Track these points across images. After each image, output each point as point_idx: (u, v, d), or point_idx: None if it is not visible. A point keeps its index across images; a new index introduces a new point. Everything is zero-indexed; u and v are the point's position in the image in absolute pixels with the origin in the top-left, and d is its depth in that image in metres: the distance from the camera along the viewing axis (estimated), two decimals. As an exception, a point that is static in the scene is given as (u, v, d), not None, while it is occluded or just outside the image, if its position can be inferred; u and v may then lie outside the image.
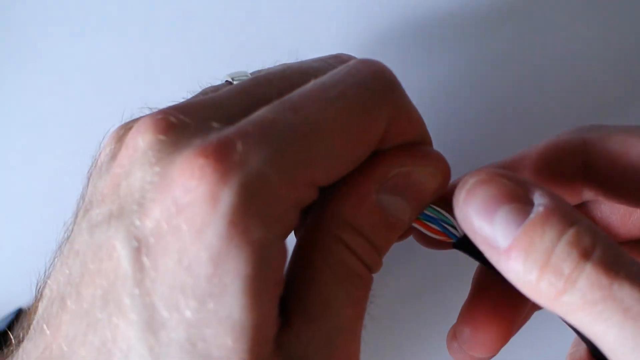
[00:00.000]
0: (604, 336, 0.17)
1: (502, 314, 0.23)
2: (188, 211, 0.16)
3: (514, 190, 0.19)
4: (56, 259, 0.21)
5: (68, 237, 0.21)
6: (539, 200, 0.19)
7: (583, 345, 0.23)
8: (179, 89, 0.23)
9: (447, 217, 0.22)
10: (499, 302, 0.23)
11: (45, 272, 0.21)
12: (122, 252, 0.17)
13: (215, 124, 0.18)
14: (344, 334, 0.19)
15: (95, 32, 0.31)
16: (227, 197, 0.16)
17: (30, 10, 0.31)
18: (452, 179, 0.22)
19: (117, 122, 0.22)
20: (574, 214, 0.19)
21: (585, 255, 0.17)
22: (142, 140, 0.18)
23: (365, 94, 0.19)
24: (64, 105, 0.33)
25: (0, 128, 0.33)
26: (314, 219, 0.20)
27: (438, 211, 0.22)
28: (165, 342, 0.17)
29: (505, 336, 0.23)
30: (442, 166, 0.21)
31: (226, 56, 0.31)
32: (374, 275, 0.20)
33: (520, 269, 0.18)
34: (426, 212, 0.22)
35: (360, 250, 0.20)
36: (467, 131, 0.31)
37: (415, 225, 0.22)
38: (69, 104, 0.33)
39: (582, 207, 0.25)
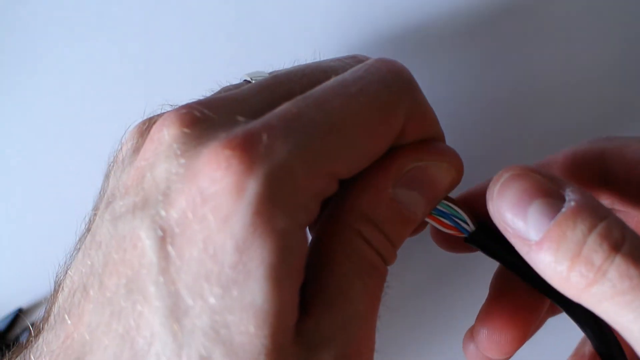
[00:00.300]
0: (630, 326, 0.18)
1: (520, 316, 0.24)
2: (214, 201, 0.17)
3: (547, 185, 0.20)
4: (76, 251, 0.21)
5: (89, 230, 0.21)
6: (570, 195, 0.19)
7: (588, 344, 0.24)
8: (192, 90, 0.24)
9: (458, 212, 0.22)
10: (517, 305, 0.23)
11: (64, 264, 0.22)
12: (147, 242, 0.18)
13: (240, 118, 0.19)
14: (361, 322, 0.19)
15: (104, 33, 0.31)
16: (252, 187, 0.17)
17: (44, 11, 0.31)
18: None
19: (117, 123, 0.22)
20: (604, 209, 0.19)
21: (616, 247, 0.18)
22: (167, 134, 0.19)
23: (385, 91, 0.20)
24: (65, 106, 0.33)
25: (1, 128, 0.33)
26: (332, 212, 0.21)
27: (450, 206, 0.22)
28: (189, 329, 0.17)
29: (522, 338, 0.23)
30: (456, 162, 0.22)
31: (241, 57, 0.31)
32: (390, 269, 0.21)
33: (551, 260, 0.19)
34: (438, 207, 0.22)
35: (377, 242, 0.20)
36: (472, 133, 0.32)
37: (428, 220, 0.22)
38: (71, 105, 0.33)
39: None
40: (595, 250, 0.18)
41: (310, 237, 0.21)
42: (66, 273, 0.21)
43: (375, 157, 0.20)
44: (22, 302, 0.34)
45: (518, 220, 0.20)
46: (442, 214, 0.22)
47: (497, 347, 0.23)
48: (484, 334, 0.23)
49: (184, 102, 0.20)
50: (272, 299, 0.17)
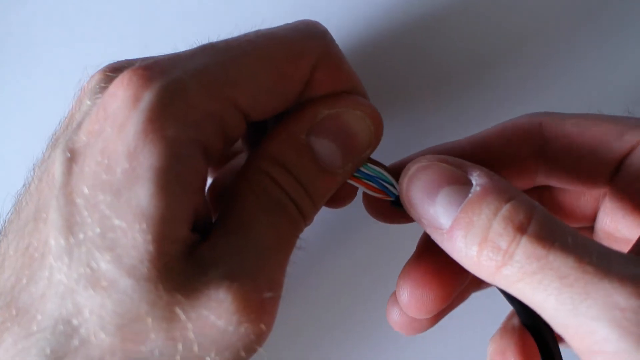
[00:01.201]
0: (544, 304, 0.18)
1: (444, 274, 0.23)
2: (113, 114, 0.18)
3: (453, 172, 0.20)
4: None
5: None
6: (477, 180, 0.20)
7: (516, 317, 0.23)
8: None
9: (385, 175, 0.22)
10: (442, 263, 0.22)
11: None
12: (56, 164, 0.18)
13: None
14: (261, 253, 0.19)
15: (95, 32, 0.32)
16: (147, 97, 0.18)
17: (29, 10, 0.32)
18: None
19: None
20: (511, 190, 0.19)
21: (521, 228, 0.18)
22: (93, 79, 0.20)
23: (294, 34, 0.21)
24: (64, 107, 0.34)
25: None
26: (247, 160, 0.21)
27: (376, 169, 0.22)
28: (81, 239, 0.17)
29: (445, 298, 0.23)
30: (370, 112, 0.22)
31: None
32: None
33: (462, 246, 0.19)
34: (365, 170, 0.22)
35: (288, 186, 0.20)
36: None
37: (354, 182, 0.22)
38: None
39: (534, 191, 0.25)
40: (500, 233, 0.18)
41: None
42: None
43: (283, 100, 0.21)
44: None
45: (428, 209, 0.20)
46: (369, 177, 0.22)
47: (419, 304, 0.22)
48: (406, 291, 0.23)
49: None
50: (156, 202, 0.17)
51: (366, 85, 0.23)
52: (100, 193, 0.17)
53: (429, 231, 0.21)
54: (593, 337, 0.17)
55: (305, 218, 0.21)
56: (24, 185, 0.21)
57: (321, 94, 0.21)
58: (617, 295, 0.17)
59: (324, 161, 0.21)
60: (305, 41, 0.21)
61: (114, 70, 0.20)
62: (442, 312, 0.24)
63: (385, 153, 0.24)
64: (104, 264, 0.17)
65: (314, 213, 0.21)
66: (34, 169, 0.21)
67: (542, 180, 0.24)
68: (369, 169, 0.22)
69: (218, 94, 0.19)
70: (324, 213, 0.23)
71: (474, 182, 0.20)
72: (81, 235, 0.17)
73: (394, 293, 0.24)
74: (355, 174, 0.22)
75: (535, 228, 0.18)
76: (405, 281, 0.23)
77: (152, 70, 0.18)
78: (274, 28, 0.21)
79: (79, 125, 0.19)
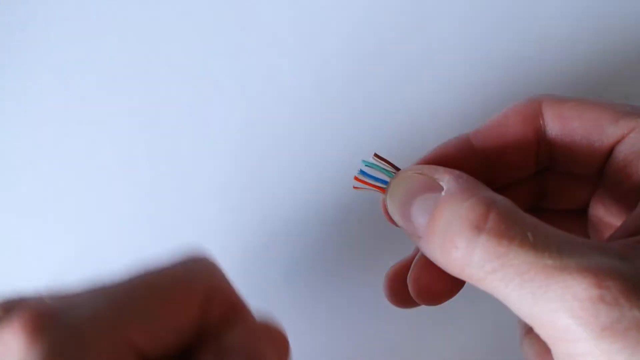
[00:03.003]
0: (508, 298, 0.19)
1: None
2: None
3: (425, 181, 0.21)
4: None
5: None
6: (446, 185, 0.21)
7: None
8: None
9: (385, 168, 0.23)
10: None
11: None
12: None
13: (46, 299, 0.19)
14: None
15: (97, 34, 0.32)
16: (40, 348, 0.17)
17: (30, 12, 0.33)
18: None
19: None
20: (473, 189, 0.20)
21: (477, 227, 0.19)
22: None
23: (182, 270, 0.20)
24: (65, 107, 0.34)
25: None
26: None
27: (374, 164, 0.23)
28: None
29: (454, 291, 0.23)
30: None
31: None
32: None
33: (431, 250, 0.20)
34: (363, 168, 0.23)
35: None
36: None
37: (360, 185, 0.23)
38: (72, 105, 0.34)
39: (535, 177, 0.26)
40: (458, 233, 0.19)
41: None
42: None
43: (179, 334, 0.20)
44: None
45: (405, 221, 0.21)
46: (366, 175, 0.23)
47: (433, 296, 0.23)
48: (421, 283, 0.23)
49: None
50: None
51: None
52: None
53: (413, 240, 0.22)
54: (555, 327, 0.17)
55: None
56: None
57: (215, 317, 0.20)
58: (575, 287, 0.17)
59: None
60: (193, 275, 0.20)
61: (6, 310, 0.18)
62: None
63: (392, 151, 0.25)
64: None
65: None
66: None
67: (543, 163, 0.25)
68: (373, 166, 0.23)
69: (115, 339, 0.18)
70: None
71: (444, 187, 0.20)
72: None
73: (398, 273, 0.25)
74: (359, 176, 0.23)
75: (492, 225, 0.19)
76: (421, 272, 0.23)
77: (44, 317, 0.17)
78: (164, 265, 0.20)
79: None
